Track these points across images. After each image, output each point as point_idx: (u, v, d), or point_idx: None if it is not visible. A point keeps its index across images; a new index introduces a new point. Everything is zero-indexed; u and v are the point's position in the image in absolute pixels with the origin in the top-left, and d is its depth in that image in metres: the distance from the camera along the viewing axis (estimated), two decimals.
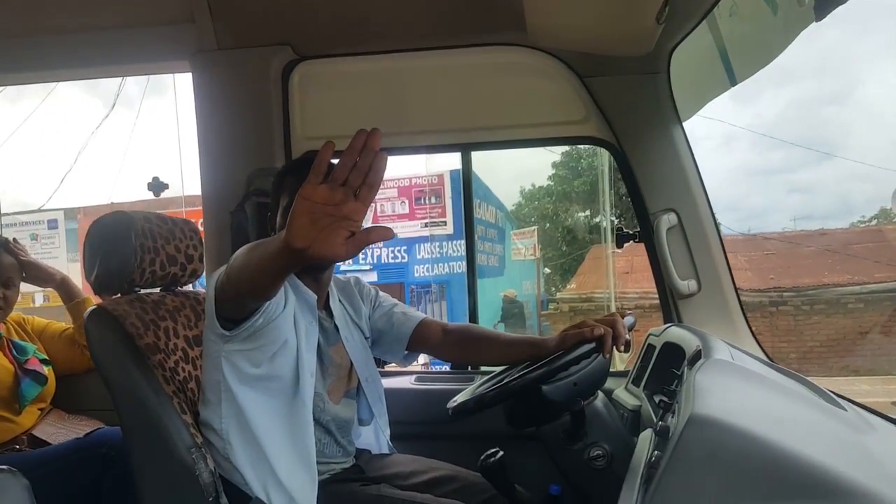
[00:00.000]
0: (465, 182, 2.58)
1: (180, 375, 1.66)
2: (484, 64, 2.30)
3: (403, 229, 12.80)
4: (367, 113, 2.42)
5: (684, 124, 2.16)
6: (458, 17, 2.22)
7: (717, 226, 2.18)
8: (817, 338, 12.39)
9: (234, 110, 2.33)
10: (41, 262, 2.44)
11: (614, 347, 1.51)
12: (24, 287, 2.39)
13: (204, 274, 2.04)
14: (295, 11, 2.28)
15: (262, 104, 2.32)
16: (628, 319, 1.58)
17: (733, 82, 2.16)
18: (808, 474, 0.81)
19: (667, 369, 1.66)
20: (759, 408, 1.02)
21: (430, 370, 3.19)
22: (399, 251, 13.08)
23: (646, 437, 1.27)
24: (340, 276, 1.92)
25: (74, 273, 1.97)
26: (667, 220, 2.12)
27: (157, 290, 1.84)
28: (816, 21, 1.60)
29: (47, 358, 2.34)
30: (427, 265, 13.12)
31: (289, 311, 1.50)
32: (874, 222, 20.02)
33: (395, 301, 1.95)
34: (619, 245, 2.34)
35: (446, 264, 12.89)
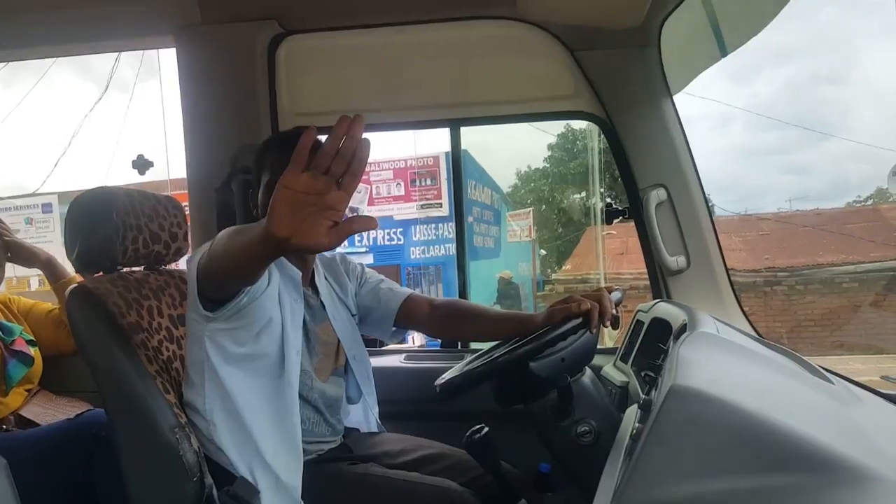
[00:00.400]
0: (455, 159, 2.55)
1: (164, 355, 1.63)
2: (473, 38, 2.27)
3: (399, 211, 12.79)
4: (354, 88, 2.39)
5: (675, 99, 2.14)
6: None
7: (707, 202, 2.16)
8: (811, 317, 12.43)
9: (219, 86, 2.30)
10: (25, 242, 2.42)
11: (602, 323, 1.49)
12: (21, 272, 2.37)
13: (190, 252, 2.02)
14: None
15: (247, 80, 2.29)
16: (615, 294, 1.56)
17: (724, 52, 2.13)
18: (791, 446, 0.79)
19: (654, 345, 1.65)
20: (743, 380, 1.01)
21: (422, 348, 3.18)
22: (395, 233, 13.06)
23: (631, 413, 1.27)
24: (326, 254, 1.90)
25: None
26: (656, 196, 2.10)
27: (141, 268, 1.81)
28: None
29: (34, 339, 2.32)
30: (423, 247, 13.11)
31: (273, 288, 1.48)
32: (870, 202, 20.04)
33: (382, 277, 1.93)
34: (609, 221, 2.32)
35: (442, 246, 12.88)
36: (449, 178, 12.29)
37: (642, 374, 1.56)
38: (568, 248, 19.30)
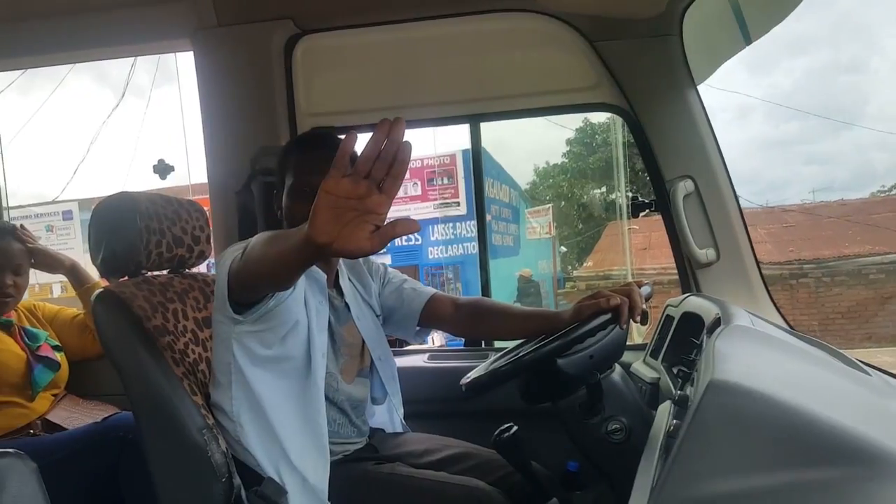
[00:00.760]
0: (475, 155, 2.53)
1: (190, 357, 1.63)
2: (491, 32, 2.24)
3: (416, 211, 12.76)
4: (372, 87, 2.38)
5: (698, 89, 2.10)
6: None
7: (735, 193, 2.12)
8: (838, 309, 12.29)
9: (236, 88, 2.30)
10: (49, 248, 2.43)
11: (632, 318, 1.47)
12: (43, 278, 2.39)
13: (213, 256, 2.02)
14: None
15: (265, 81, 2.29)
16: (645, 289, 1.53)
17: (748, 41, 2.10)
18: (833, 438, 0.77)
19: (686, 340, 1.62)
20: (781, 373, 0.98)
21: (444, 348, 3.16)
22: (413, 234, 13.07)
23: (665, 409, 1.24)
24: None
25: (90, 262, 1.96)
26: (683, 188, 2.07)
27: (165, 272, 1.81)
28: None
29: (59, 344, 2.34)
30: (441, 247, 13.09)
31: (299, 291, 1.47)
32: (895, 191, 19.75)
33: (405, 277, 1.91)
34: (635, 214, 2.29)
35: (460, 245, 12.86)
36: (466, 177, 12.27)
37: (674, 369, 1.53)
38: (589, 244, 19.20)
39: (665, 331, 1.87)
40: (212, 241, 1.94)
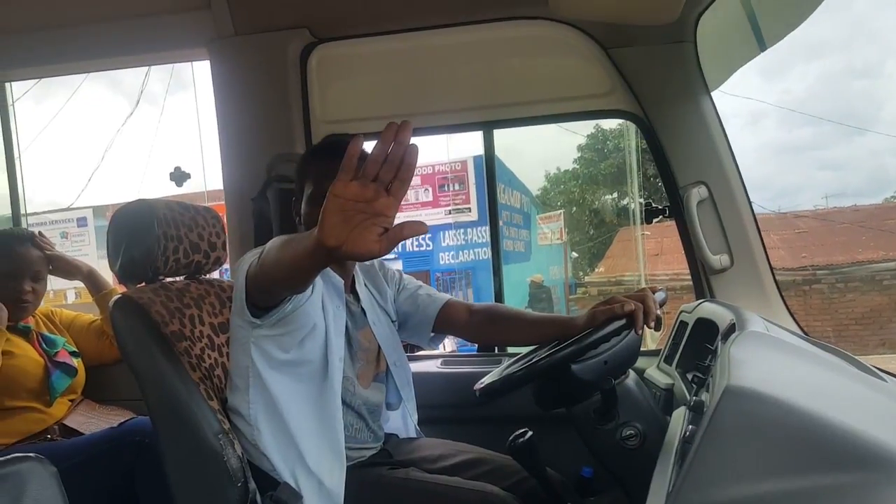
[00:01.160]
0: (488, 161, 2.54)
1: (206, 362, 1.65)
2: (505, 39, 2.26)
3: (428, 217, 12.77)
4: (386, 94, 2.39)
5: (712, 95, 2.10)
6: None
7: (749, 198, 2.12)
8: (852, 315, 12.19)
9: (252, 96, 2.33)
10: (67, 255, 2.46)
11: (646, 324, 1.47)
12: (58, 284, 2.41)
13: (228, 262, 2.03)
14: None
15: (280, 89, 2.31)
16: (659, 295, 1.53)
17: (763, 47, 2.09)
18: (850, 444, 0.77)
19: (700, 346, 1.62)
20: (797, 378, 0.98)
21: (456, 353, 3.16)
22: (424, 239, 13.07)
23: (679, 415, 1.24)
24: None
25: (105, 268, 1.98)
26: (697, 194, 2.07)
27: (182, 278, 1.83)
28: None
29: (76, 350, 2.36)
30: (452, 252, 13.10)
31: (317, 295, 1.48)
32: None
33: (420, 283, 1.92)
34: (649, 220, 2.29)
35: (472, 251, 12.87)
36: (478, 183, 12.28)
37: (688, 375, 1.53)
38: (600, 249, 19.14)
39: (679, 337, 1.87)
40: (227, 247, 1.96)
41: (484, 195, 2.70)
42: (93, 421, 2.24)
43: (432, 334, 1.87)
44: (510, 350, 2.38)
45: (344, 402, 1.58)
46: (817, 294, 12.31)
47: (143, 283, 1.72)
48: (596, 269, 17.98)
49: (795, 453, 0.77)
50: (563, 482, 1.68)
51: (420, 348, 2.29)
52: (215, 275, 1.98)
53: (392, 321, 1.84)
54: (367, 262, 1.89)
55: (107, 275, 2.46)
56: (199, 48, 2.37)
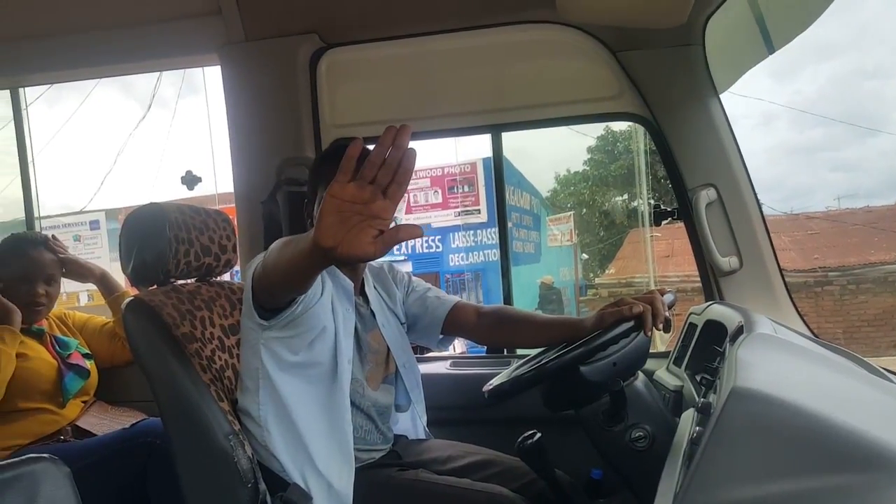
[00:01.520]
0: (497, 164, 2.54)
1: (217, 364, 1.66)
2: (513, 43, 2.26)
3: (437, 219, 12.79)
4: (395, 98, 2.41)
5: (721, 97, 2.10)
6: None
7: (758, 200, 2.11)
8: (864, 317, 12.12)
9: (263, 101, 2.34)
10: (80, 258, 2.48)
11: (654, 326, 1.47)
12: (71, 287, 2.44)
13: (238, 264, 2.05)
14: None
15: (290, 94, 2.32)
16: (668, 297, 1.53)
17: (771, 50, 2.09)
18: (856, 445, 0.77)
19: (709, 348, 1.62)
20: (804, 380, 0.99)
21: (465, 355, 3.17)
22: (434, 241, 13.08)
23: (688, 417, 1.24)
24: (374, 263, 1.91)
25: (116, 271, 2.01)
26: (706, 196, 2.07)
27: (192, 280, 1.85)
28: None
29: (89, 352, 2.38)
30: (462, 254, 13.10)
31: (326, 298, 1.49)
32: None
33: (429, 285, 1.93)
34: (658, 223, 2.29)
35: (481, 252, 12.86)
36: (487, 185, 12.27)
37: (698, 377, 1.53)
38: (611, 251, 19.12)
39: (688, 339, 1.87)
40: (238, 250, 1.97)
41: (493, 197, 2.70)
42: (105, 422, 2.26)
43: (441, 336, 1.88)
44: (519, 352, 2.39)
45: (353, 404, 1.59)
46: (829, 296, 12.24)
47: (155, 286, 1.74)
48: (606, 271, 17.96)
49: (802, 454, 0.78)
50: (572, 484, 1.68)
51: (429, 350, 2.29)
52: (226, 277, 1.99)
53: (401, 323, 1.85)
54: (377, 265, 1.90)
55: (119, 277, 2.48)
56: (210, 53, 2.38)
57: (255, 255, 1.48)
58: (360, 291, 1.76)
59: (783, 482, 0.77)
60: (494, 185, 2.62)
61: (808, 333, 1.80)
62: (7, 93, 2.85)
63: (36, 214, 2.99)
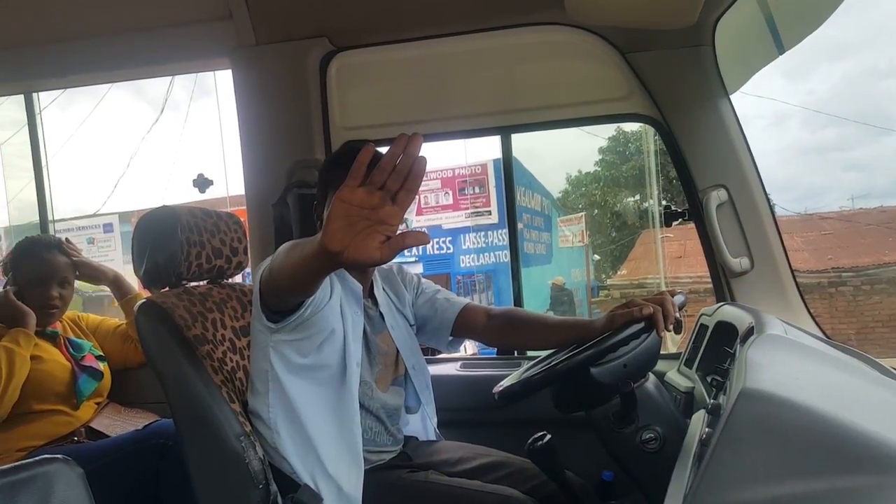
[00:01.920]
0: (506, 165, 2.55)
1: (228, 365, 1.67)
2: (522, 45, 2.26)
3: (448, 220, 12.80)
4: (404, 100, 2.41)
5: (732, 98, 2.09)
6: None
7: (769, 201, 2.10)
8: (878, 318, 12.01)
9: (273, 104, 2.35)
10: (93, 260, 2.50)
11: (665, 327, 1.47)
12: (83, 289, 2.45)
13: (249, 266, 2.06)
14: (331, 3, 2.29)
15: (301, 97, 2.33)
16: (678, 298, 1.53)
17: (781, 50, 2.08)
18: (865, 446, 0.77)
19: (720, 349, 1.62)
20: (814, 381, 0.98)
21: (476, 356, 3.17)
22: (444, 242, 13.09)
23: (698, 418, 1.24)
24: (383, 265, 1.91)
25: (130, 273, 2.02)
26: (716, 197, 2.06)
27: (204, 282, 1.86)
28: None
29: (102, 354, 2.40)
30: (473, 255, 13.10)
31: (335, 300, 1.50)
32: None
33: (438, 287, 1.93)
34: (668, 223, 2.28)
35: (492, 254, 12.86)
36: (498, 186, 12.27)
37: (708, 378, 1.53)
38: (623, 252, 19.06)
39: (699, 340, 1.87)
40: (249, 252, 1.98)
41: (504, 198, 2.70)
42: (118, 423, 2.28)
43: (451, 338, 1.88)
44: (529, 353, 2.39)
45: (362, 406, 1.60)
46: (842, 296, 12.15)
47: (167, 288, 1.75)
48: (618, 272, 17.89)
49: (811, 456, 0.77)
50: (582, 485, 1.68)
51: (439, 351, 2.30)
52: (238, 279, 2.00)
53: (410, 325, 1.85)
54: (386, 267, 1.91)
55: (133, 280, 2.50)
56: (221, 57, 2.40)
57: (266, 258, 1.49)
58: (369, 294, 1.77)
59: (792, 483, 0.76)
60: (504, 187, 2.63)
61: (820, 334, 1.79)
62: (21, 97, 2.88)
63: (50, 218, 3.01)
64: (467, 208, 12.87)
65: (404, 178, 0.98)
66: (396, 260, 1.35)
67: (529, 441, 1.54)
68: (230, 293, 1.85)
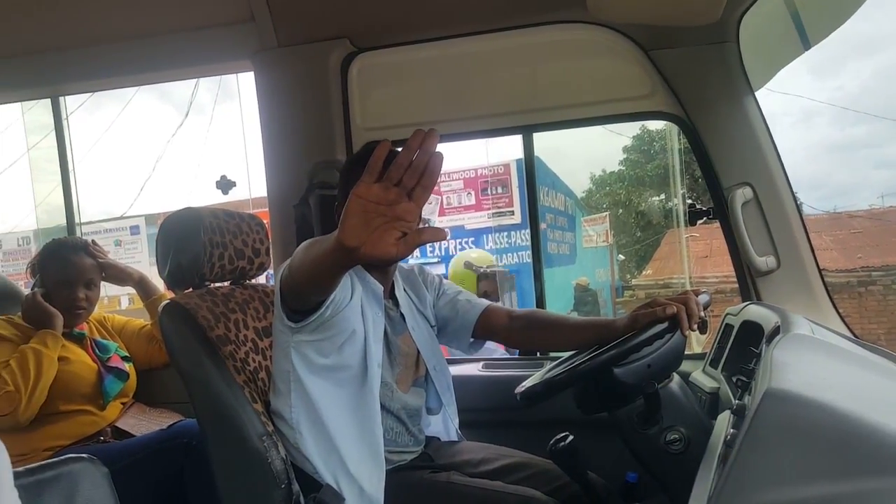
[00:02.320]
0: (528, 165, 2.54)
1: (251, 366, 1.68)
2: (543, 43, 2.25)
3: (470, 220, 12.77)
4: (425, 101, 2.41)
5: (757, 95, 2.06)
6: None
7: (795, 199, 2.07)
8: None
9: (295, 105, 2.37)
10: (119, 262, 2.53)
11: (689, 326, 1.45)
12: (112, 291, 2.49)
13: (272, 267, 2.07)
14: (352, 5, 2.30)
15: (322, 98, 2.34)
16: (703, 297, 1.51)
17: (807, 46, 2.05)
18: (894, 448, 0.75)
19: (745, 349, 1.59)
20: (841, 382, 0.96)
21: (497, 356, 3.16)
22: (467, 243, 13.06)
23: (723, 419, 1.22)
24: (404, 265, 1.91)
25: (155, 275, 2.05)
26: (741, 195, 2.03)
27: (227, 283, 1.87)
28: None
29: (128, 355, 2.42)
30: (496, 256, 13.05)
31: (356, 301, 1.50)
32: None
33: (460, 289, 1.93)
34: (693, 222, 2.25)
35: (515, 254, 12.79)
36: (521, 186, 12.22)
37: (734, 379, 1.50)
38: (648, 252, 18.91)
39: (725, 340, 1.84)
40: (271, 252, 1.99)
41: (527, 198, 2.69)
42: (143, 423, 2.30)
43: (472, 340, 1.87)
44: (552, 354, 2.37)
45: (383, 407, 1.60)
46: (872, 296, 11.94)
47: (191, 289, 1.77)
48: (644, 272, 17.75)
49: (837, 457, 0.76)
50: (606, 487, 1.66)
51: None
52: (261, 280, 2.02)
53: (431, 326, 1.85)
54: (407, 267, 1.91)
55: (159, 281, 2.52)
56: (243, 60, 2.42)
57: (287, 258, 1.50)
58: (390, 294, 1.77)
59: (819, 485, 0.75)
60: (526, 187, 2.61)
61: (849, 334, 1.76)
62: (48, 102, 2.93)
63: (77, 220, 3.06)
64: (490, 209, 12.84)
65: (420, 175, 0.98)
66: (419, 259, 1.35)
67: (552, 442, 1.53)
68: (252, 294, 1.86)
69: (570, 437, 1.53)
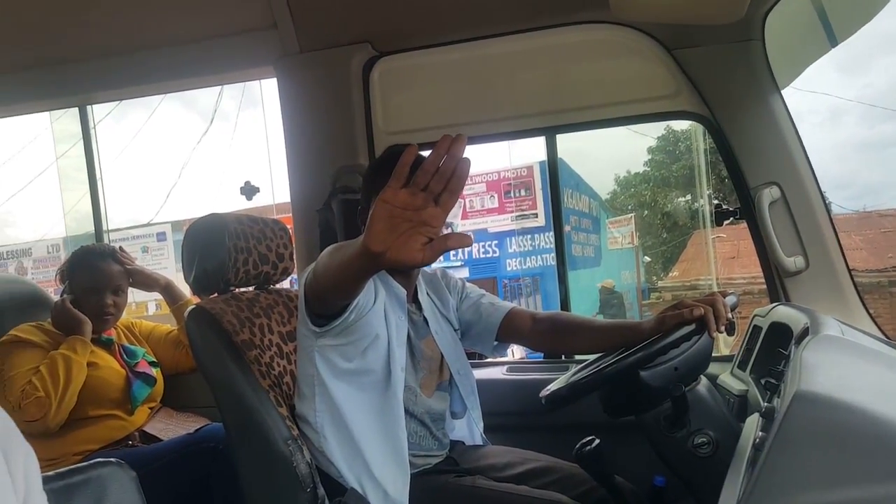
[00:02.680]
0: (551, 167, 2.52)
1: (275, 370, 1.69)
2: (566, 44, 2.23)
3: (493, 223, 12.76)
4: (448, 103, 2.41)
5: (783, 93, 2.03)
6: None
7: (823, 198, 2.04)
8: None
9: (317, 110, 2.38)
10: (146, 268, 2.56)
11: (717, 328, 1.43)
12: (139, 297, 2.52)
13: (295, 272, 2.08)
14: (373, 9, 2.30)
15: (344, 103, 2.35)
16: (730, 299, 1.49)
17: (834, 43, 2.01)
18: None
19: (774, 350, 1.57)
20: (872, 383, 0.94)
21: (522, 360, 3.15)
22: (490, 246, 13.05)
23: (752, 422, 1.20)
24: (427, 269, 1.91)
25: (182, 280, 2.07)
26: (769, 195, 2.01)
27: (251, 288, 1.88)
28: None
29: (155, 360, 2.45)
30: (519, 259, 13.02)
31: (379, 305, 1.50)
32: None
33: (483, 292, 1.92)
34: (719, 223, 2.23)
35: (539, 257, 12.76)
36: (544, 188, 12.19)
37: (762, 381, 1.48)
38: (674, 253, 18.75)
39: (753, 342, 1.82)
40: (295, 257, 2.00)
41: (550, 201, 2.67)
42: (171, 427, 2.33)
43: (496, 343, 1.86)
44: (577, 357, 2.35)
45: (407, 411, 1.60)
46: None
47: (216, 294, 1.78)
48: (670, 274, 17.61)
49: (868, 460, 0.74)
50: (633, 491, 1.65)
51: (484, 356, 2.28)
52: (285, 284, 2.02)
53: (454, 330, 1.85)
54: (430, 271, 1.90)
55: (185, 287, 2.55)
56: (266, 66, 2.44)
57: (311, 263, 1.50)
58: (413, 299, 1.76)
59: (849, 489, 0.73)
60: (549, 189, 2.60)
61: (879, 335, 1.72)
62: (76, 111, 2.98)
63: (105, 228, 3.10)
64: (513, 211, 12.82)
65: (447, 180, 0.98)
66: (443, 264, 1.35)
67: (577, 446, 1.52)
68: (277, 299, 1.87)
69: (597, 441, 1.51)
